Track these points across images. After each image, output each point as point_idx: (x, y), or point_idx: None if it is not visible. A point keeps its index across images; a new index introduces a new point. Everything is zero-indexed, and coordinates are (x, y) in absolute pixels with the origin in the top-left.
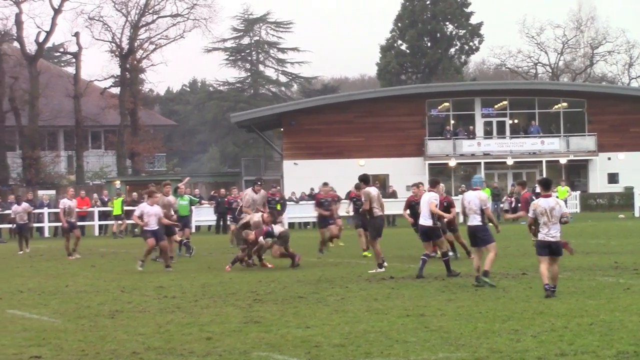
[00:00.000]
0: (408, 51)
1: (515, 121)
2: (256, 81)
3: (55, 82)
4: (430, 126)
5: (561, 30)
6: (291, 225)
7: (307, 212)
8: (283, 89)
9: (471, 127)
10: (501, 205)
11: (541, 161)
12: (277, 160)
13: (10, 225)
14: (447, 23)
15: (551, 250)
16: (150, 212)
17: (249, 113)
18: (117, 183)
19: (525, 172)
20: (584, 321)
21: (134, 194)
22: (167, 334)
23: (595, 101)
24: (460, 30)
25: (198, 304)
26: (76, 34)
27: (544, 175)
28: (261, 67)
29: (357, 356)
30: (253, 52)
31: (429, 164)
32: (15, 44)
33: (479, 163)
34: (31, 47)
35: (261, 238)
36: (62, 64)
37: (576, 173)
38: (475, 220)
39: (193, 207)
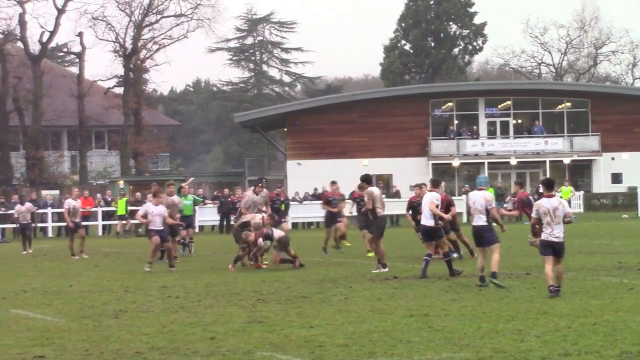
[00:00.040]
0: (412, 51)
1: (519, 121)
2: (260, 81)
3: (59, 82)
4: (434, 126)
5: (565, 30)
6: (295, 225)
7: (311, 212)
8: (287, 89)
9: (475, 127)
10: (504, 205)
11: (545, 161)
12: (280, 160)
13: (13, 225)
14: (451, 23)
15: (555, 250)
16: (154, 212)
17: (252, 113)
18: (121, 183)
19: (529, 172)
20: (588, 321)
21: (138, 193)
22: (171, 334)
23: (598, 101)
24: (464, 30)
25: (202, 304)
26: (80, 34)
27: (548, 176)
28: (265, 67)
29: (360, 356)
30: (257, 52)
31: (433, 164)
32: (19, 44)
33: (483, 163)
34: (35, 47)
35: (260, 240)
36: (66, 64)
37: (580, 173)
38: (480, 220)
39: (196, 207)
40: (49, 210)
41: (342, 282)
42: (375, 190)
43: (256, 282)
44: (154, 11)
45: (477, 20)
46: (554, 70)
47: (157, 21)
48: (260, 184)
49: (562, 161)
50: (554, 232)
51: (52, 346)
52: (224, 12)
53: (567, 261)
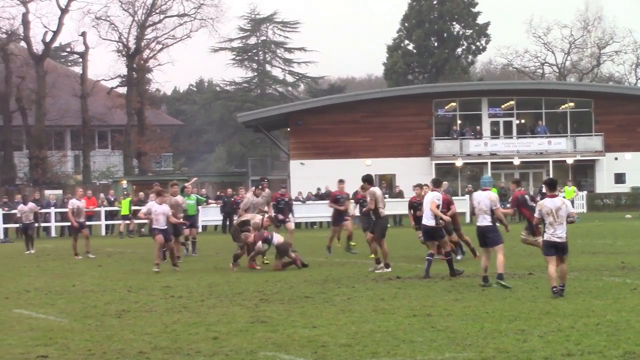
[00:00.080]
0: (415, 51)
1: (522, 121)
2: (263, 81)
3: (62, 82)
4: (437, 126)
5: (568, 30)
6: (298, 225)
7: (314, 212)
8: (290, 88)
9: (478, 127)
10: (507, 205)
11: (548, 161)
12: (283, 160)
13: (16, 225)
14: (454, 23)
15: (557, 250)
16: (158, 211)
17: (255, 113)
18: (124, 183)
19: (532, 172)
20: (591, 321)
21: (141, 193)
22: (174, 334)
23: (602, 101)
24: (467, 30)
25: (205, 304)
26: (83, 34)
27: (551, 176)
28: (268, 67)
29: (363, 356)
30: (260, 52)
31: (436, 164)
32: (22, 43)
33: (486, 163)
34: (38, 47)
35: (259, 243)
36: (69, 64)
37: (583, 173)
38: (485, 221)
39: (199, 207)
40: (52, 210)
41: (344, 282)
42: (377, 190)
43: (259, 282)
44: (157, 11)
45: (480, 20)
46: (557, 70)
47: (160, 21)
48: (260, 186)
49: (565, 161)
50: (556, 232)
51: (55, 346)
52: (227, 12)
53: (570, 261)
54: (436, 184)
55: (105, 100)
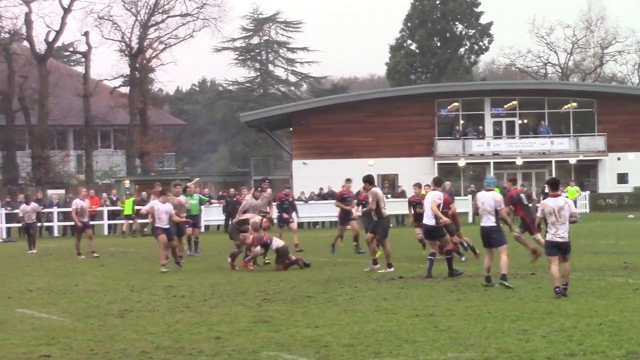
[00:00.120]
0: (417, 51)
1: (525, 121)
2: (266, 81)
3: (65, 82)
4: (440, 126)
5: (571, 30)
6: (300, 225)
7: (317, 212)
8: (292, 88)
9: (480, 127)
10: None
11: (550, 161)
12: (286, 160)
13: (19, 225)
14: (457, 23)
15: (560, 249)
16: (161, 209)
17: (258, 113)
18: (127, 182)
19: (535, 172)
20: (593, 321)
21: (143, 193)
22: (176, 333)
23: (605, 101)
24: (470, 30)
25: (207, 304)
26: (86, 34)
27: (554, 176)
28: (271, 67)
29: (366, 356)
30: (262, 52)
31: (439, 164)
32: (25, 43)
33: (489, 163)
34: (41, 47)
35: (257, 249)
36: (72, 64)
37: (586, 173)
38: (489, 221)
39: (202, 207)
40: (55, 210)
41: (347, 282)
42: (378, 190)
43: (262, 281)
44: (160, 10)
45: (483, 20)
46: (560, 70)
47: (163, 21)
48: (260, 188)
49: (568, 161)
50: (558, 232)
51: (58, 345)
52: (230, 12)
53: (572, 261)
54: (437, 183)
55: (108, 99)
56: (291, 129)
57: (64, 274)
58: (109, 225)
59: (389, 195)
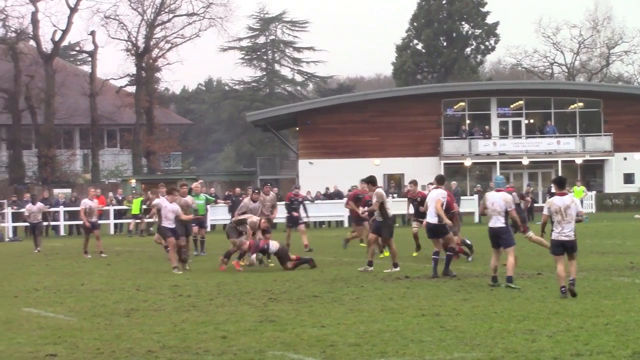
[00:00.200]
0: (424, 51)
1: (531, 121)
2: (272, 80)
3: (71, 81)
4: (446, 126)
5: (577, 30)
6: (306, 224)
7: (323, 212)
8: (299, 88)
9: (487, 127)
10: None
11: (557, 161)
12: (292, 160)
13: (25, 224)
14: (463, 22)
15: (566, 248)
16: (168, 208)
17: (264, 112)
18: (133, 182)
19: (541, 172)
20: (600, 321)
21: (149, 192)
22: (183, 333)
23: (611, 101)
24: (476, 30)
25: (213, 303)
26: (92, 33)
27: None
28: (277, 67)
29: (372, 355)
30: (269, 51)
31: (445, 164)
32: (32, 42)
33: (495, 163)
34: (47, 46)
35: (254, 257)
36: (78, 63)
37: (592, 173)
38: (498, 222)
39: (208, 206)
40: (61, 209)
41: (353, 282)
42: (382, 191)
43: (268, 281)
44: (166, 10)
45: (489, 20)
46: (567, 70)
47: (169, 20)
48: (257, 190)
49: (574, 161)
50: (564, 231)
51: (64, 344)
52: (236, 11)
53: (579, 261)
54: (440, 181)
55: (114, 99)
56: (297, 128)
57: (70, 273)
58: (115, 225)
59: (395, 195)
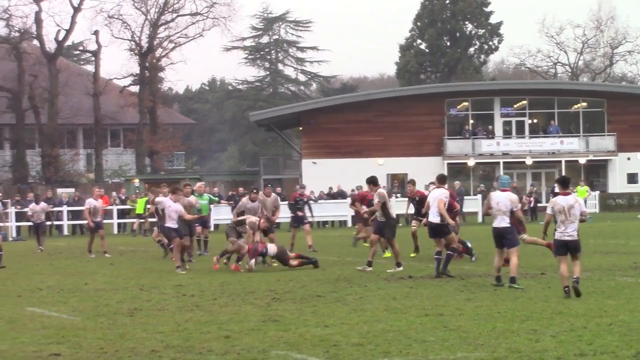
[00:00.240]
0: (427, 50)
1: (535, 121)
2: (275, 80)
3: (75, 81)
4: (449, 125)
5: (581, 30)
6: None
7: (326, 212)
8: (302, 87)
9: (490, 127)
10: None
11: (560, 161)
12: (296, 159)
13: (29, 223)
14: (467, 22)
15: (569, 248)
16: (172, 207)
17: (268, 112)
18: (136, 181)
19: (544, 172)
20: (603, 321)
21: (149, 192)
22: (186, 332)
23: (614, 101)
24: (480, 30)
25: (217, 303)
26: (95, 32)
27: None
28: (280, 66)
29: (375, 355)
30: (272, 51)
31: (448, 164)
32: (35, 42)
33: (498, 163)
34: (51, 46)
35: (252, 262)
36: (82, 62)
37: (595, 173)
38: (503, 222)
39: (212, 206)
40: (64, 209)
41: (356, 281)
42: (384, 191)
43: (271, 281)
44: (169, 10)
45: (493, 19)
46: (570, 70)
47: (172, 20)
48: (255, 190)
49: (577, 161)
50: (567, 231)
51: (68, 344)
52: (240, 11)
53: (582, 261)
54: (442, 180)
55: (118, 98)
56: (301, 128)
57: (73, 272)
58: (119, 224)
59: (398, 195)
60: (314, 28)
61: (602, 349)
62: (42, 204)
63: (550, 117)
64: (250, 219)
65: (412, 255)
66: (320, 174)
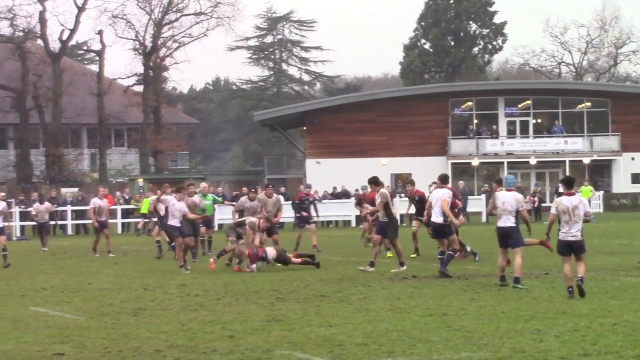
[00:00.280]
0: (431, 50)
1: (539, 121)
2: (279, 80)
3: (79, 80)
4: (454, 125)
5: (585, 30)
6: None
7: (330, 211)
8: (306, 87)
9: (494, 127)
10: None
11: (564, 161)
12: (299, 159)
13: (33, 223)
14: (471, 22)
15: (573, 249)
16: (176, 206)
17: (272, 111)
18: (140, 181)
19: (549, 171)
20: (607, 321)
21: (158, 192)
22: (190, 332)
23: (619, 101)
24: (484, 30)
25: (221, 302)
26: (100, 32)
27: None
28: (284, 66)
29: (379, 355)
30: (276, 51)
31: (452, 163)
32: (39, 41)
33: (502, 163)
34: (55, 45)
35: (254, 266)
36: (86, 62)
37: (599, 173)
38: (509, 222)
39: (216, 206)
40: (68, 208)
41: (361, 281)
42: (386, 191)
43: (275, 280)
44: (173, 9)
45: (497, 19)
46: (574, 70)
47: (176, 19)
48: (254, 190)
49: (581, 161)
50: (571, 231)
51: (72, 343)
52: (244, 11)
53: (586, 261)
54: (444, 180)
55: (122, 98)
56: (305, 128)
57: (77, 272)
58: (123, 224)
59: (402, 195)
60: (318, 28)
61: (606, 349)
62: (47, 204)
63: (554, 117)
64: (250, 219)
65: (412, 256)
66: (324, 173)
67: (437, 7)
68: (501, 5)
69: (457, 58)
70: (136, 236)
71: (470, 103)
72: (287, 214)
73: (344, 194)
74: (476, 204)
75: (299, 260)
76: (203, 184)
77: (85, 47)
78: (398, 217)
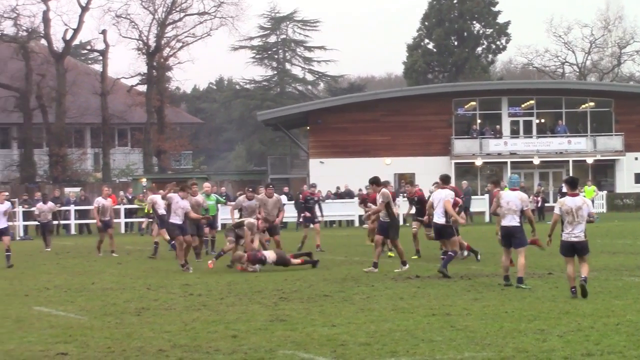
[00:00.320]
0: (435, 50)
1: (542, 121)
2: (283, 79)
3: (82, 80)
4: (457, 125)
5: (589, 30)
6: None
7: (333, 211)
8: (309, 87)
9: (498, 127)
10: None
11: (568, 161)
12: (303, 159)
13: (36, 223)
14: (474, 22)
15: (576, 250)
16: (179, 204)
17: (275, 111)
18: (144, 181)
19: (552, 171)
20: (611, 321)
21: (161, 191)
22: (193, 332)
23: (622, 101)
24: (488, 29)
25: (224, 302)
26: (103, 32)
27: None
28: (288, 66)
29: (382, 355)
30: (280, 51)
31: (455, 163)
32: (43, 41)
33: (506, 162)
34: (58, 45)
35: (256, 266)
36: (89, 62)
37: (603, 173)
38: (513, 221)
39: (219, 206)
40: (72, 208)
41: (364, 281)
42: (387, 191)
43: (278, 280)
44: (177, 9)
45: (500, 19)
46: (578, 70)
47: (180, 19)
48: (252, 189)
49: (585, 161)
50: (574, 232)
51: (75, 343)
52: (248, 10)
53: (590, 261)
54: (445, 180)
55: (125, 98)
56: (308, 127)
57: (80, 272)
58: (126, 224)
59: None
60: (321, 27)
61: (610, 349)
62: (50, 204)
63: (557, 117)
64: (249, 220)
65: (413, 257)
66: (328, 173)
67: (441, 7)
68: (505, 5)
69: (461, 58)
70: (139, 236)
71: (473, 103)
72: (290, 213)
73: (348, 194)
74: (479, 203)
75: (298, 260)
76: (206, 184)
77: (88, 47)
78: (400, 218)
